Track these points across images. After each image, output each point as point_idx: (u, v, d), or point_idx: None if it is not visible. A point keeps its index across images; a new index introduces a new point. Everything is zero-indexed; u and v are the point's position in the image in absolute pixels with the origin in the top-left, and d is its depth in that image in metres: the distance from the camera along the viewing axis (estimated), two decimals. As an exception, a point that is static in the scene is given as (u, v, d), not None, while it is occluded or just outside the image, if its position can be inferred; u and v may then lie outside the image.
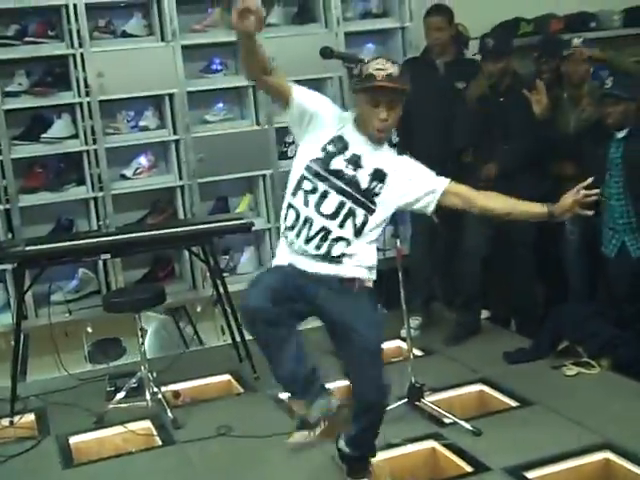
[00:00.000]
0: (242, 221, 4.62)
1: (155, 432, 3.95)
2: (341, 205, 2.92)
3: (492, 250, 4.69)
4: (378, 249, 4.76)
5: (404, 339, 4.82)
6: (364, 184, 2.94)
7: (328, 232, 2.92)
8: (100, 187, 4.87)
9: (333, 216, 2.92)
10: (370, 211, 2.95)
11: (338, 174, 2.93)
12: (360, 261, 2.98)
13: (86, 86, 4.76)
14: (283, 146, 5.22)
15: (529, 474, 3.25)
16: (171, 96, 4.98)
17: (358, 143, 2.96)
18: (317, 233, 2.92)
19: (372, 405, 3.01)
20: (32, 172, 4.81)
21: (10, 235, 4.71)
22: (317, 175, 2.92)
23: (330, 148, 2.94)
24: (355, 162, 2.94)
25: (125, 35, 4.95)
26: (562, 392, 3.98)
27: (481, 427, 3.62)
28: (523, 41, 5.55)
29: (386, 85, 2.87)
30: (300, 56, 4.76)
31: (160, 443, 3.86)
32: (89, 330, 5.14)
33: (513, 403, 3.93)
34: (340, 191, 2.92)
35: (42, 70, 4.82)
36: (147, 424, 4.03)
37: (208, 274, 4.76)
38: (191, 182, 5.05)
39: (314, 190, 2.92)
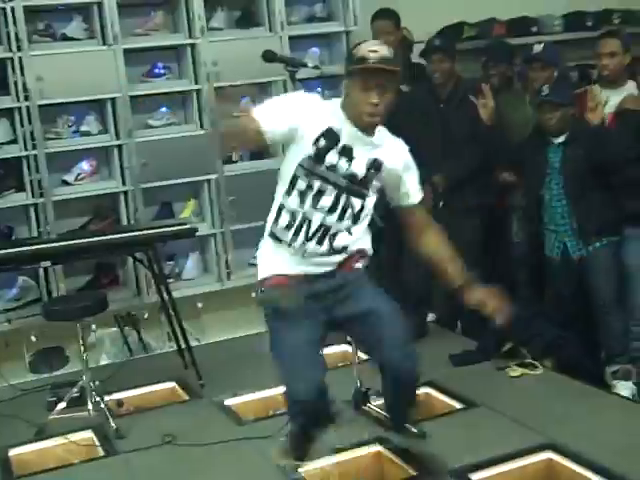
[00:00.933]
0: (186, 226, 4.58)
1: (97, 442, 3.88)
2: (338, 199, 2.86)
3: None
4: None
5: (350, 343, 4.85)
6: (360, 175, 2.88)
7: (328, 228, 2.87)
8: (41, 193, 4.77)
9: (331, 210, 2.86)
10: (365, 197, 2.91)
11: (333, 169, 2.85)
12: (361, 245, 2.98)
13: (25, 90, 4.67)
14: (228, 151, 5.17)
15: (474, 476, 3.26)
16: (113, 100, 4.91)
17: (349, 133, 2.86)
18: (317, 230, 2.86)
19: (409, 372, 3.08)
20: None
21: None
22: (311, 173, 2.84)
23: (321, 143, 2.83)
24: (349, 154, 2.86)
25: (65, 38, 4.87)
26: (506, 393, 4.02)
27: (426, 430, 3.62)
28: (467, 45, 5.62)
29: (380, 67, 2.78)
30: (244, 60, 4.73)
31: (102, 454, 3.79)
32: (33, 339, 5.04)
33: (458, 405, 3.95)
34: (336, 186, 2.85)
35: (-22, 74, 4.71)
36: (89, 434, 3.95)
37: (153, 280, 4.71)
38: (134, 187, 4.98)
39: (309, 188, 2.84)
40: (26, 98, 4.68)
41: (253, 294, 3.14)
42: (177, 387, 4.52)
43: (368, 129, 2.89)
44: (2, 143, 4.71)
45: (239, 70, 4.78)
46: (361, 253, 3.00)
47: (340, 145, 2.85)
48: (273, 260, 2.96)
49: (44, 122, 4.78)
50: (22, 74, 4.66)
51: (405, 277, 4.90)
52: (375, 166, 2.91)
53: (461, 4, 5.73)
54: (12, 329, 4.74)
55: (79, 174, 4.95)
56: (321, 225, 2.87)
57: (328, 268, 2.94)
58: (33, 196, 4.77)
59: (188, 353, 4.48)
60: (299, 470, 3.25)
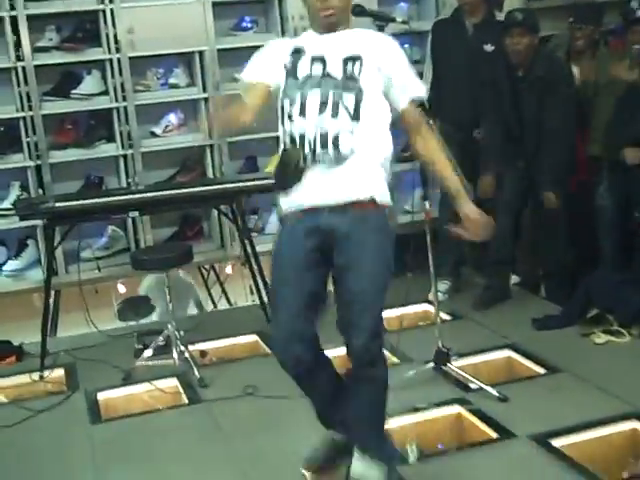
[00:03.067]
0: (272, 181, 4.57)
1: (182, 390, 3.98)
2: (324, 97, 2.71)
3: (524, 207, 4.65)
4: (407, 211, 4.90)
5: (432, 303, 4.83)
6: (339, 73, 2.72)
7: (325, 132, 2.69)
8: (130, 144, 4.86)
9: (320, 110, 2.70)
10: (358, 91, 2.72)
11: (309, 77, 2.74)
12: (372, 152, 2.74)
13: (116, 42, 4.74)
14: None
15: (555, 442, 3.22)
16: (201, 53, 4.93)
17: (315, 42, 2.79)
18: (315, 140, 2.69)
19: (365, 364, 2.72)
20: (62, 128, 4.81)
21: (40, 191, 4.72)
22: (290, 90, 2.75)
23: (290, 63, 2.77)
24: (320, 59, 2.75)
25: (155, -10, 4.90)
26: (591, 360, 3.94)
27: (508, 393, 3.60)
28: (556, 2, 5.42)
29: None
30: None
31: (187, 401, 3.88)
32: (120, 288, 5.20)
33: (541, 370, 3.89)
34: (317, 86, 2.72)
35: (73, 26, 4.79)
36: (174, 382, 4.06)
37: (237, 234, 4.76)
38: (220, 141, 5.02)
39: (292, 102, 2.73)
40: (117, 50, 4.75)
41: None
42: (259, 340, 4.58)
43: (331, 29, 2.78)
44: (94, 94, 4.79)
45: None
46: (374, 176, 2.75)
47: (308, 56, 2.76)
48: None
49: (134, 74, 4.84)
50: (113, 26, 4.73)
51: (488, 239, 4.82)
52: (353, 60, 2.73)
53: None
54: (101, 277, 4.87)
55: (167, 126, 5.02)
56: (317, 131, 2.69)
57: (339, 198, 2.72)
58: (123, 147, 4.86)
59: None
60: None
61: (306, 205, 2.76)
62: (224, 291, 5.26)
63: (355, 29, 2.84)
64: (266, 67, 2.83)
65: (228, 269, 5.56)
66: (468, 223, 2.83)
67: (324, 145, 2.70)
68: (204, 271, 5.56)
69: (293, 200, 2.79)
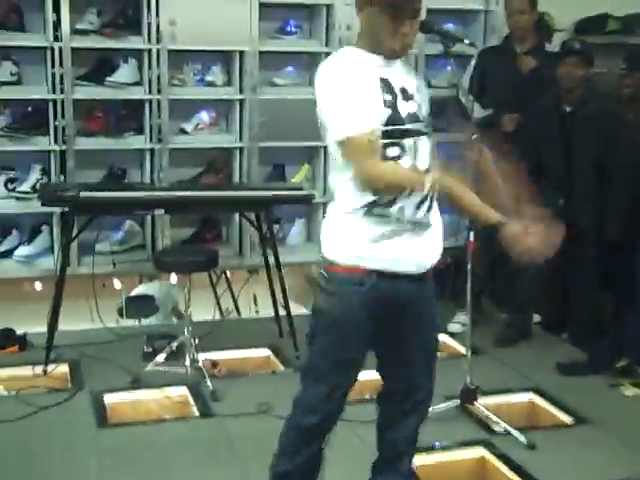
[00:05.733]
0: (302, 192, 4.46)
1: (192, 401, 3.82)
2: (429, 145, 2.50)
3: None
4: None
5: (451, 334, 4.69)
6: (424, 110, 2.51)
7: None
8: (159, 139, 4.70)
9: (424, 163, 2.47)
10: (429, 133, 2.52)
11: (412, 118, 2.46)
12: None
13: (157, 32, 4.58)
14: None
15: (585, 499, 3.09)
16: (242, 53, 4.79)
17: (394, 72, 2.48)
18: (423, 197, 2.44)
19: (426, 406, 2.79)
20: (92, 115, 4.65)
21: (62, 177, 4.55)
22: (397, 133, 2.42)
23: (387, 97, 2.42)
24: (405, 93, 2.47)
25: (204, -16, 4.75)
26: (619, 413, 3.80)
27: (533, 440, 3.46)
28: (608, 39, 5.33)
29: None
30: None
31: (197, 414, 3.72)
32: (117, 285, 5.00)
33: (567, 419, 3.75)
34: (422, 134, 2.47)
35: (115, 11, 4.64)
36: (184, 391, 3.90)
37: (258, 242, 4.62)
38: (251, 145, 4.87)
39: (403, 150, 2.43)
40: (157, 40, 4.59)
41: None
42: (272, 355, 4.42)
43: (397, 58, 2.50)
44: (128, 84, 4.63)
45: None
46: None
47: (397, 89, 2.45)
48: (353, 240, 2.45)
49: (170, 67, 4.69)
50: (157, 16, 4.57)
51: (513, 274, 4.69)
52: (419, 90, 2.52)
53: (609, -6, 5.43)
54: (113, 272, 4.71)
55: (198, 124, 4.86)
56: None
57: (426, 262, 2.49)
58: (151, 141, 4.70)
59: (287, 320, 4.37)
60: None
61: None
62: (235, 301, 5.07)
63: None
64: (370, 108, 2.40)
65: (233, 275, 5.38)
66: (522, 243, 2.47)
67: (428, 208, 2.47)
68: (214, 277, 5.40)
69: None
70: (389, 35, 2.42)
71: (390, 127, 2.41)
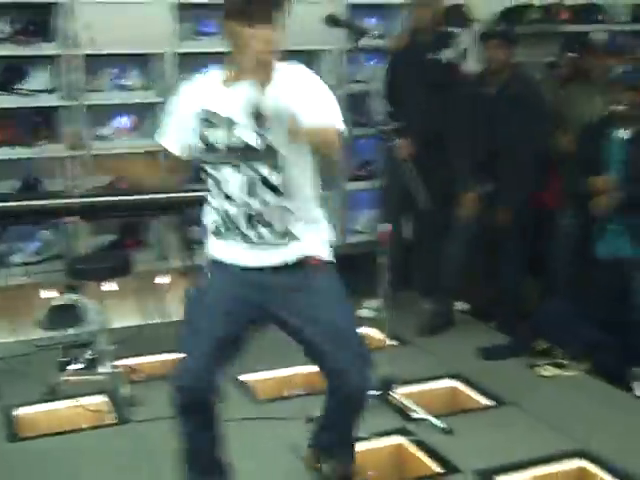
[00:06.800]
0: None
1: (110, 408, 3.75)
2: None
3: (479, 234, 4.51)
4: (357, 231, 4.75)
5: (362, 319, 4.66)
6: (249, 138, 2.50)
7: (249, 214, 2.56)
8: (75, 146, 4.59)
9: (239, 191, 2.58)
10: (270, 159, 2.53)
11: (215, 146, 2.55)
12: (311, 236, 2.64)
13: (72, 38, 4.46)
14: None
15: (500, 478, 3.09)
16: (160, 56, 4.71)
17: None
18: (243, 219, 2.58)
19: (361, 394, 2.75)
20: (3, 125, 4.52)
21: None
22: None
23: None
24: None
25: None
26: (537, 393, 3.83)
27: (452, 425, 3.46)
28: (530, 29, 5.39)
29: None
30: (302, 26, 4.49)
31: (114, 421, 3.65)
32: (43, 295, 4.89)
33: (486, 402, 3.77)
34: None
35: (27, 18, 4.50)
36: (102, 399, 3.83)
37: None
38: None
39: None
40: (72, 45, 4.47)
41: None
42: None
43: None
44: (40, 90, 4.53)
45: (295, 36, 4.56)
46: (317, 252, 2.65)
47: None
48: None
49: (86, 73, 4.58)
50: (71, 20, 4.44)
51: (439, 263, 4.70)
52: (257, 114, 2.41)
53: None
54: (29, 283, 4.60)
55: (117, 129, 4.78)
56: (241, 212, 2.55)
57: (278, 259, 2.61)
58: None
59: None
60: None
61: None
62: (161, 304, 5.00)
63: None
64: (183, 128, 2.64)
65: (164, 279, 5.31)
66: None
67: (254, 227, 2.61)
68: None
69: None
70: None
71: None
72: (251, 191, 2.53)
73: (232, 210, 2.56)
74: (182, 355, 2.75)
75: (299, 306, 2.63)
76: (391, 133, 3.96)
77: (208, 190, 2.62)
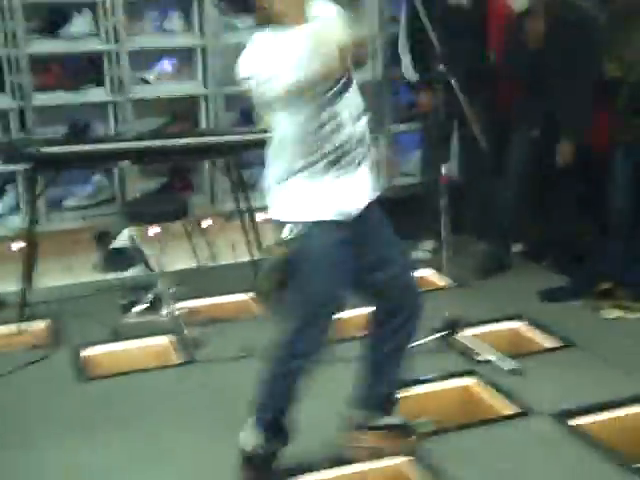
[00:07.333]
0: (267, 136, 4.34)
1: (174, 349, 3.76)
2: None
3: (534, 172, 4.44)
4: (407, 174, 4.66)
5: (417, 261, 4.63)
6: None
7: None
8: (120, 90, 4.55)
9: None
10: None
11: None
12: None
13: (110, -19, 4.41)
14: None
15: (573, 421, 3.06)
16: (200, -1, 4.63)
17: None
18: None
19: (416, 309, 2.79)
20: (48, 69, 4.48)
21: (23, 135, 4.41)
22: None
23: None
24: None
25: None
26: (602, 335, 3.78)
27: (519, 366, 3.44)
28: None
29: None
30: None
31: (179, 361, 3.67)
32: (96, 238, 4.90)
33: (552, 343, 3.74)
34: None
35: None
36: (165, 340, 3.84)
37: (230, 188, 4.53)
38: (216, 91, 4.74)
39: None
40: (111, -11, 4.41)
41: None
42: (250, 300, 4.36)
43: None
44: (83, 35, 4.47)
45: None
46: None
47: None
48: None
49: (128, 16, 4.52)
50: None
51: (493, 204, 4.64)
52: None
53: None
54: (83, 227, 4.60)
55: (160, 73, 4.72)
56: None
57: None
58: (112, 92, 4.56)
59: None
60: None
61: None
62: (210, 247, 4.99)
63: None
64: None
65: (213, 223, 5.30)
66: None
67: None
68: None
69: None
70: None
71: None
72: None
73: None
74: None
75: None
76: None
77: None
